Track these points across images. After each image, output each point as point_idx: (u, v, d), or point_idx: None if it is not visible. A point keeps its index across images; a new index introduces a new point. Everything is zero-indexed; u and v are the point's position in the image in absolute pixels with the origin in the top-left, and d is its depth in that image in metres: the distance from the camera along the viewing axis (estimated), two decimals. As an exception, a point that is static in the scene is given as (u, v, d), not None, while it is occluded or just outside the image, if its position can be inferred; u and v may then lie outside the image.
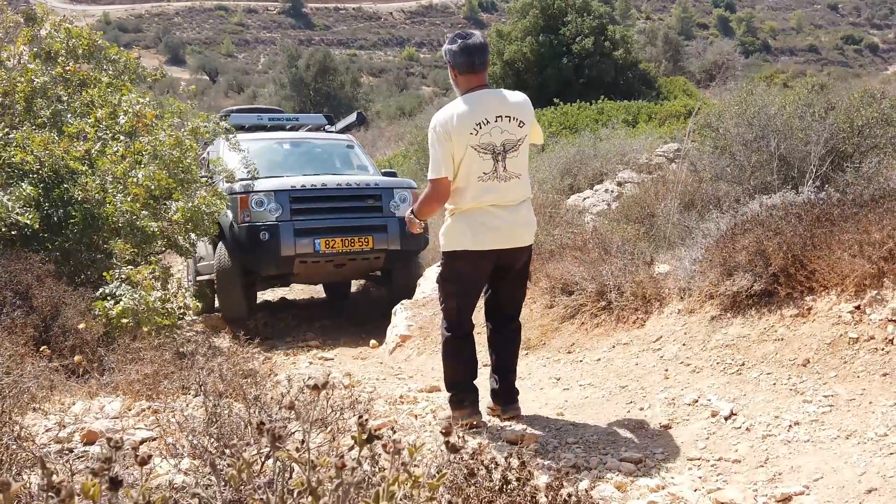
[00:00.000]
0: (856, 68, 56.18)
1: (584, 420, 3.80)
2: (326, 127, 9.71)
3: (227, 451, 1.37)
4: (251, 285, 7.64)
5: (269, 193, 7.06)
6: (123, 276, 4.87)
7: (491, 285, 3.76)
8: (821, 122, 7.06)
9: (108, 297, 4.71)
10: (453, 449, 1.16)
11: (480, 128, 3.41)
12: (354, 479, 1.05)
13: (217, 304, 7.84)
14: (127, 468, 1.71)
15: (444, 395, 4.63)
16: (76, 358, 3.43)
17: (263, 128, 9.24)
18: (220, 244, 7.37)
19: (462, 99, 3.49)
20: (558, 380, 4.54)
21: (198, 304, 5.28)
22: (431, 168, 3.50)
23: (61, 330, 4.43)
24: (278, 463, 1.14)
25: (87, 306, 4.63)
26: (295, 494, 1.09)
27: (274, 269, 7.29)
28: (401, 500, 1.04)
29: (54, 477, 1.10)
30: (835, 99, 7.91)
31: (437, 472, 1.15)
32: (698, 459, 3.16)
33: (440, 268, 3.75)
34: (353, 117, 9.84)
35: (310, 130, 9.55)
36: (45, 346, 3.59)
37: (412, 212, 3.69)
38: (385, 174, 8.24)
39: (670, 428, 3.52)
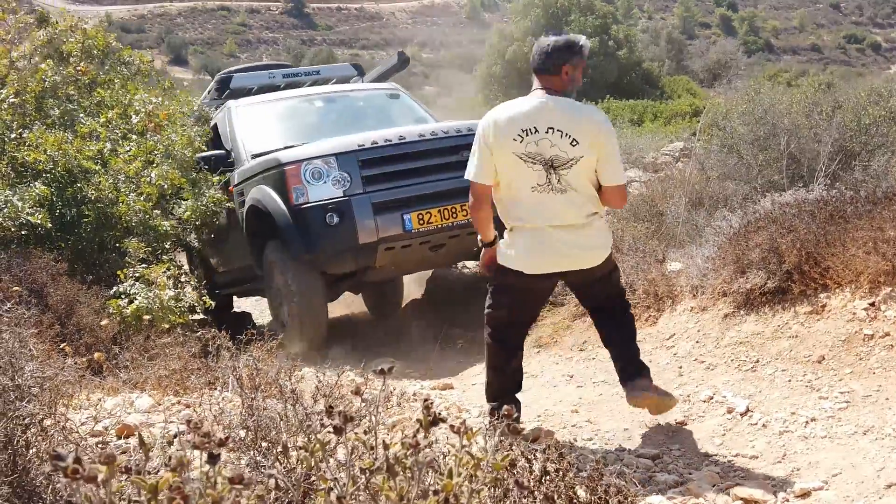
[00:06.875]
0: (858, 67, 56.15)
1: (599, 417, 3.81)
2: (355, 78, 7.74)
3: (266, 442, 1.40)
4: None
5: (327, 159, 5.15)
6: (137, 275, 4.90)
7: (576, 294, 3.61)
8: (828, 121, 7.08)
9: (122, 296, 4.74)
10: (514, 431, 1.18)
11: (526, 135, 3.10)
12: (427, 459, 1.07)
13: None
14: (156, 469, 1.72)
15: (457, 393, 4.67)
16: (96, 355, 3.47)
17: (276, 88, 7.29)
18: (270, 244, 5.47)
19: (520, 99, 3.23)
20: (571, 377, 4.55)
21: (211, 301, 5.28)
22: (468, 168, 3.23)
23: (76, 328, 4.47)
24: (348, 445, 1.17)
25: (102, 305, 4.67)
26: (367, 474, 1.12)
27: (351, 264, 5.29)
28: (464, 481, 1.06)
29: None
30: (842, 97, 7.93)
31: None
32: (715, 455, 3.18)
33: (493, 274, 3.42)
34: (393, 60, 7.85)
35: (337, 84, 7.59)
36: (65, 344, 3.62)
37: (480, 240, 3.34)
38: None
39: (686, 424, 3.53)
